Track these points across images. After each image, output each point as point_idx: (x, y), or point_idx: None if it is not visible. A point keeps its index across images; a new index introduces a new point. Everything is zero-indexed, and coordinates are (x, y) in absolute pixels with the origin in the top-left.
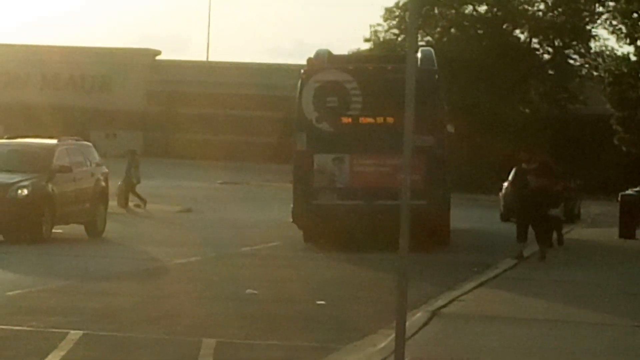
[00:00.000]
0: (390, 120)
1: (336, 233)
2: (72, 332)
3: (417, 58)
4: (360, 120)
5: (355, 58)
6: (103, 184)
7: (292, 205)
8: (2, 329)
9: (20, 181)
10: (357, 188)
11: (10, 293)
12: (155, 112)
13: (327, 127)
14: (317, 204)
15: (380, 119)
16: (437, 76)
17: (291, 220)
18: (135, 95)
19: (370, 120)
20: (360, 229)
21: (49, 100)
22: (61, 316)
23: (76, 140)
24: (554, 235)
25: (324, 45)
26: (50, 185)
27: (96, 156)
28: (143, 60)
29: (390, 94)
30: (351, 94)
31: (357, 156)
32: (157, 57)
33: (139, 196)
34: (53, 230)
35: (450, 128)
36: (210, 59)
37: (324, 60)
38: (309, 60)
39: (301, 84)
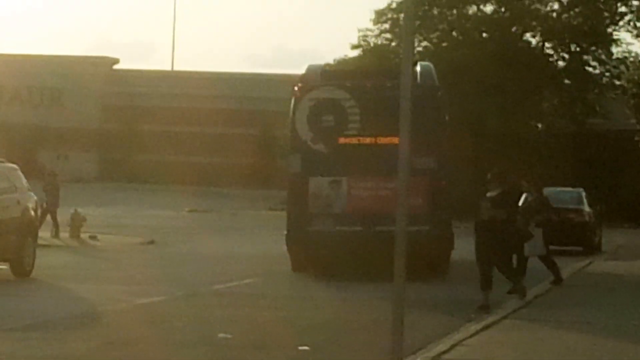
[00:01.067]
0: (391, 140)
1: (332, 261)
2: None
3: (416, 73)
4: (358, 140)
5: (351, 73)
6: (32, 213)
7: (285, 232)
8: None
9: None
10: (355, 213)
11: None
12: (113, 129)
13: (323, 149)
14: (313, 231)
15: (380, 139)
16: (439, 93)
17: (285, 247)
18: (90, 110)
19: (369, 140)
20: (358, 257)
21: None
22: None
23: (0, 161)
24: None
25: (307, 52)
26: None
27: (24, 181)
28: (99, 70)
29: (391, 112)
30: (349, 112)
31: (355, 179)
32: (115, 66)
33: (54, 221)
34: None
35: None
36: (175, 68)
37: (317, 77)
38: (302, 76)
39: (294, 102)
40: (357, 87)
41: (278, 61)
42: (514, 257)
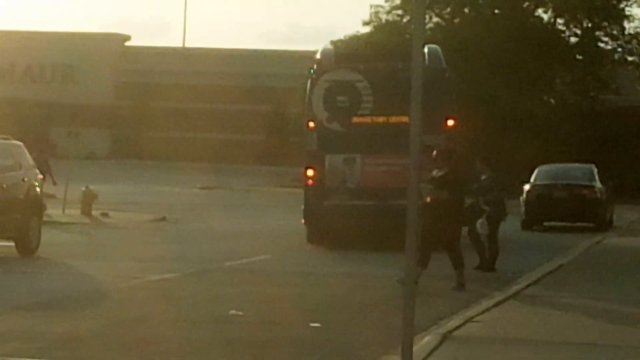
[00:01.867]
0: (402, 119)
1: (347, 233)
2: None
3: (424, 54)
4: (371, 120)
5: (364, 56)
6: (37, 191)
7: (302, 206)
8: None
9: None
10: (368, 188)
11: None
12: (125, 106)
13: (338, 127)
14: (329, 204)
15: (392, 119)
16: (447, 74)
17: (302, 221)
18: (102, 87)
19: (381, 119)
20: (371, 229)
21: (3, 94)
22: (19, 342)
23: (4, 138)
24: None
25: (322, 29)
26: None
27: (29, 158)
28: (111, 47)
29: (402, 92)
30: (362, 93)
31: (368, 156)
32: (127, 43)
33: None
34: None
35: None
36: (188, 45)
37: (331, 59)
38: (318, 60)
39: (311, 83)
40: (370, 69)
41: (292, 38)
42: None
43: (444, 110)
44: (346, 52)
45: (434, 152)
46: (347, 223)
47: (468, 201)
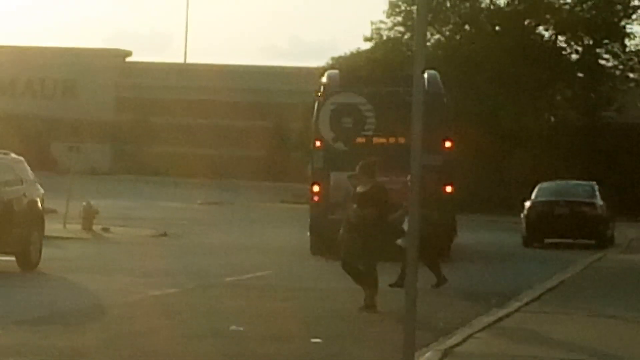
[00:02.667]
0: (401, 140)
1: None
2: None
3: (424, 80)
4: (373, 140)
5: (368, 79)
6: (38, 205)
7: (309, 219)
8: None
9: None
10: None
11: None
12: (126, 121)
13: (343, 147)
14: (333, 218)
15: (392, 139)
16: (445, 99)
17: (308, 233)
18: (102, 102)
19: (383, 140)
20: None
21: (4, 109)
22: (19, 357)
23: (4, 154)
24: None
25: (324, 44)
26: None
27: (30, 173)
28: (112, 62)
29: (402, 115)
30: (365, 115)
31: None
32: (128, 59)
33: None
34: None
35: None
36: (189, 61)
37: (336, 83)
38: (324, 83)
39: (318, 105)
40: (373, 93)
41: (293, 53)
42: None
43: (441, 132)
44: (350, 75)
45: (357, 168)
46: None
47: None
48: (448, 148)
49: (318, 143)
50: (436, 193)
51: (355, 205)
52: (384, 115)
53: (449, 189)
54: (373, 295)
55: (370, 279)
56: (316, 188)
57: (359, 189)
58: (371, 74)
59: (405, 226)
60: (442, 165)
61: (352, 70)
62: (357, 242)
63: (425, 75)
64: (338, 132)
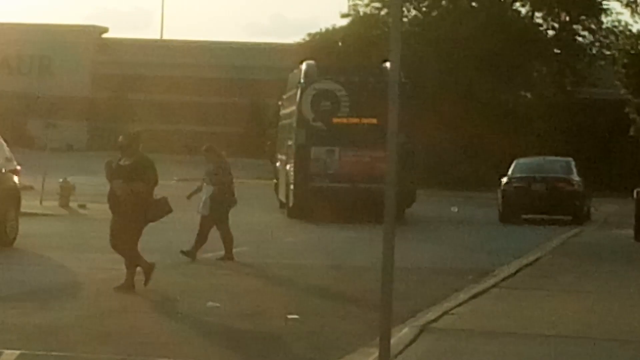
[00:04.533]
0: (371, 121)
1: (327, 208)
2: (6, 352)
3: (386, 70)
4: (347, 120)
5: (343, 69)
6: (14, 183)
7: (292, 187)
8: None
9: None
10: (344, 174)
11: None
12: (103, 98)
13: (322, 126)
14: (313, 186)
15: (363, 120)
16: (407, 87)
17: (292, 200)
18: (79, 79)
19: (355, 120)
20: (346, 206)
21: None
22: None
23: None
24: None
25: (302, 21)
26: None
27: (6, 150)
28: (88, 39)
29: (371, 100)
30: (341, 100)
31: (344, 149)
32: (104, 35)
33: None
34: None
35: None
36: (166, 37)
37: (314, 72)
38: (304, 72)
39: (301, 91)
40: (348, 81)
41: (276, 30)
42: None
43: (403, 114)
44: (326, 65)
45: (120, 138)
46: (327, 200)
47: (210, 188)
48: (408, 127)
49: (301, 123)
50: (400, 162)
51: (120, 180)
52: (357, 100)
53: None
54: (132, 273)
55: (132, 257)
56: (299, 161)
57: (123, 161)
58: (344, 64)
59: (203, 196)
60: (404, 142)
61: (326, 61)
62: (117, 220)
63: (388, 65)
64: (318, 113)
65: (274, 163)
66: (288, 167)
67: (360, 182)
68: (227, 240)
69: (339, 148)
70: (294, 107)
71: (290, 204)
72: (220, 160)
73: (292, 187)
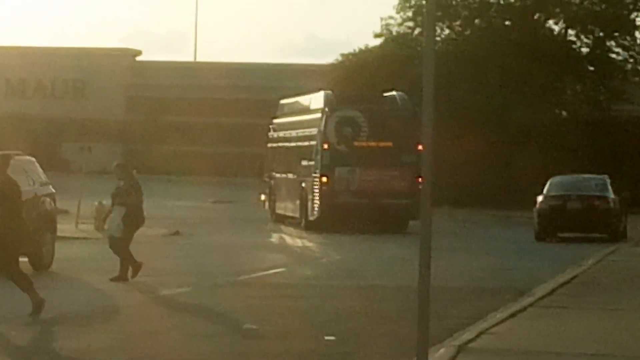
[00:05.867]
0: (387, 144)
1: (349, 221)
2: None
3: (395, 99)
4: (366, 144)
5: (361, 97)
6: (49, 207)
7: (315, 203)
8: None
9: None
10: (364, 191)
11: None
12: (136, 121)
13: (344, 149)
14: (337, 202)
15: (380, 143)
16: (417, 114)
17: (317, 214)
18: (112, 102)
19: (373, 144)
20: (366, 219)
21: (14, 110)
22: (33, 356)
23: (16, 154)
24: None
25: (336, 41)
26: None
27: (41, 174)
28: (121, 62)
29: (388, 126)
30: (360, 125)
31: (364, 169)
32: (138, 58)
33: None
34: None
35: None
36: (199, 59)
37: (334, 100)
38: (326, 101)
39: (325, 118)
40: (366, 109)
41: (309, 50)
42: None
43: (415, 138)
44: (346, 94)
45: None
46: (349, 214)
47: (121, 209)
48: (420, 150)
49: (326, 145)
50: (412, 181)
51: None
52: (374, 125)
53: (421, 179)
54: (35, 297)
55: (20, 280)
56: (324, 179)
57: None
58: (360, 93)
59: (115, 219)
60: (416, 162)
61: (343, 91)
62: None
63: (397, 97)
64: (340, 137)
65: (267, 180)
66: (304, 185)
67: (378, 198)
68: (127, 261)
69: (359, 168)
70: (309, 131)
71: (311, 218)
72: (131, 179)
73: (315, 202)
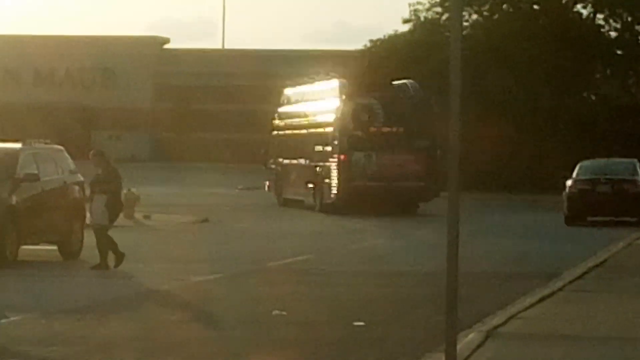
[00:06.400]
0: (399, 129)
1: (365, 202)
2: None
3: (407, 87)
4: (382, 129)
5: (377, 86)
6: (78, 195)
7: (334, 186)
8: None
9: None
10: (380, 174)
11: (1, 321)
12: (165, 109)
13: (360, 134)
14: (355, 184)
15: (394, 129)
16: (431, 100)
17: (335, 194)
18: (141, 90)
19: (387, 129)
20: (381, 200)
21: (44, 99)
22: (61, 346)
23: (45, 143)
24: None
25: (365, 27)
26: (13, 198)
27: (70, 163)
28: (150, 50)
29: (401, 112)
30: (376, 112)
31: (379, 154)
32: (166, 46)
33: None
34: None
35: None
36: (227, 47)
37: (349, 89)
38: (342, 89)
39: (343, 105)
40: (382, 96)
41: (338, 37)
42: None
43: (429, 125)
44: (358, 83)
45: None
46: (366, 196)
47: (103, 197)
48: (433, 136)
49: (343, 132)
50: (425, 165)
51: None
52: (388, 112)
53: (434, 163)
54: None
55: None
56: (342, 164)
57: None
58: (372, 81)
59: (99, 208)
60: (430, 147)
61: (356, 78)
62: None
63: (409, 84)
64: (357, 123)
65: (272, 167)
66: (318, 169)
67: (393, 181)
68: (109, 249)
69: (375, 153)
70: (323, 118)
71: (327, 201)
72: (109, 167)
73: (333, 186)
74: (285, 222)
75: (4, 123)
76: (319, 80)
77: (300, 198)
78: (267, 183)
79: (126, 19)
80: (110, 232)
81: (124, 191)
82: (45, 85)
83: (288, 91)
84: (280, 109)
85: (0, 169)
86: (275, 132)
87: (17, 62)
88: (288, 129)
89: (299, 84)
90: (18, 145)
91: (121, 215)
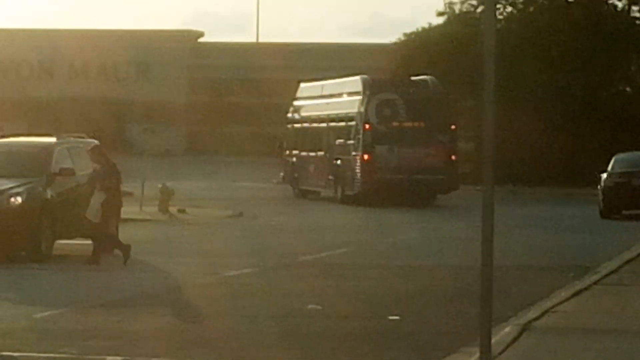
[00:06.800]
0: (420, 124)
1: (388, 194)
2: (108, 358)
3: (427, 83)
4: (403, 124)
5: (398, 82)
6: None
7: (360, 178)
8: (31, 356)
9: (13, 187)
10: (401, 167)
11: (37, 315)
12: (200, 102)
13: (384, 129)
14: (378, 177)
15: (415, 124)
16: (449, 97)
17: (358, 186)
18: (175, 84)
19: (409, 124)
20: (403, 192)
21: (77, 93)
22: (98, 340)
23: (80, 137)
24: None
25: (400, 20)
26: (49, 192)
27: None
28: (184, 44)
29: (422, 108)
30: (398, 107)
31: (402, 147)
32: (200, 40)
33: None
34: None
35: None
36: (262, 40)
37: (372, 85)
38: (366, 85)
39: (367, 100)
40: (403, 92)
41: (374, 29)
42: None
43: (449, 119)
44: (384, 78)
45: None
46: (388, 188)
47: (101, 194)
48: (452, 130)
49: (367, 126)
50: (445, 158)
51: None
52: (410, 107)
53: (453, 157)
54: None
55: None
56: (366, 157)
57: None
58: (393, 78)
59: (95, 205)
60: (449, 141)
61: (379, 75)
62: None
63: (429, 80)
64: (380, 118)
65: (287, 159)
66: (339, 162)
67: (415, 173)
68: (105, 242)
69: (397, 146)
70: (345, 112)
71: (349, 193)
72: (107, 163)
73: (356, 178)
74: (320, 215)
75: (39, 117)
76: (340, 77)
77: (318, 189)
78: (282, 174)
79: (161, 13)
80: (143, 226)
81: (159, 185)
82: (80, 80)
83: (304, 85)
84: (297, 103)
85: (35, 164)
86: (290, 125)
87: (52, 56)
88: (306, 122)
89: (318, 80)
90: (53, 140)
91: (156, 209)
